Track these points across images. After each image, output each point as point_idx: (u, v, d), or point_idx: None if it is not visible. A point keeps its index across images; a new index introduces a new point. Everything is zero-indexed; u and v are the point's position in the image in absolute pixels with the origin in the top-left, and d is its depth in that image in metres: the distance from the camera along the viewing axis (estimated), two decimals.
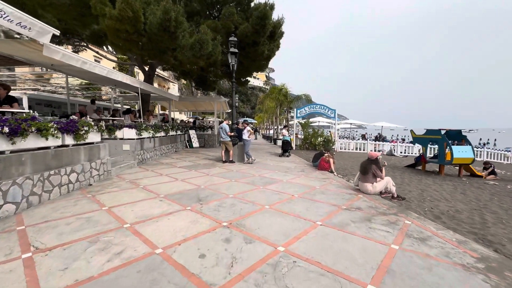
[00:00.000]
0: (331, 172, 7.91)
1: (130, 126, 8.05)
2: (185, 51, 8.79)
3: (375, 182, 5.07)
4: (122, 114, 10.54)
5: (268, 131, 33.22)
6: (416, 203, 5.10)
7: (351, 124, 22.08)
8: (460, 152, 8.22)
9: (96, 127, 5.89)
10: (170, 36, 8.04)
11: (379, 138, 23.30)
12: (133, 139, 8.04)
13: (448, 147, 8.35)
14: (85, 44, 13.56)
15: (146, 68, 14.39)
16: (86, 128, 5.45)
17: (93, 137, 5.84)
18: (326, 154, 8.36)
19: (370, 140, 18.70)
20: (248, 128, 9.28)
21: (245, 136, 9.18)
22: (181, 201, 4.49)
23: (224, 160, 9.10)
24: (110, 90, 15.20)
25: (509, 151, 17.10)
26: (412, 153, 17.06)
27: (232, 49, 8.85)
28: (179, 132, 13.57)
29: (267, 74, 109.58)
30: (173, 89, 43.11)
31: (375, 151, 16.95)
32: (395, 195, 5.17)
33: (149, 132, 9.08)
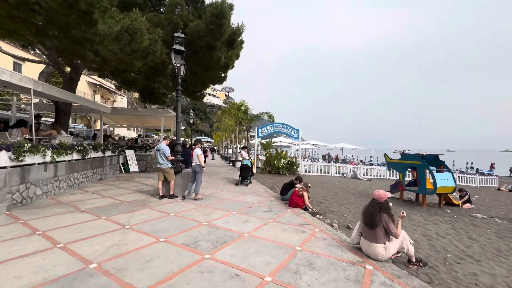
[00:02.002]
0: (306, 209, 6.04)
1: None
2: (108, 43, 6.27)
3: (388, 241, 3.25)
4: (9, 128, 7.15)
5: (227, 150, 30.90)
6: (442, 269, 3.43)
7: (313, 145, 21.49)
8: (442, 180, 7.27)
9: None
10: (81, 16, 5.51)
11: (328, 158, 23.15)
12: (3, 167, 4.96)
13: (430, 175, 7.35)
14: None
15: (68, 70, 11.15)
16: None
17: None
18: (298, 186, 6.51)
19: (333, 162, 17.96)
20: (199, 151, 6.71)
21: (197, 161, 6.66)
22: None
23: (161, 194, 6.50)
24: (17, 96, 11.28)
25: (491, 173, 18.16)
26: (376, 176, 16.70)
27: (177, 47, 6.68)
28: (108, 153, 10.39)
29: (227, 94, 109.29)
30: (121, 102, 38.07)
31: (342, 174, 16.09)
32: (413, 259, 3.42)
33: (43, 154, 6.02)
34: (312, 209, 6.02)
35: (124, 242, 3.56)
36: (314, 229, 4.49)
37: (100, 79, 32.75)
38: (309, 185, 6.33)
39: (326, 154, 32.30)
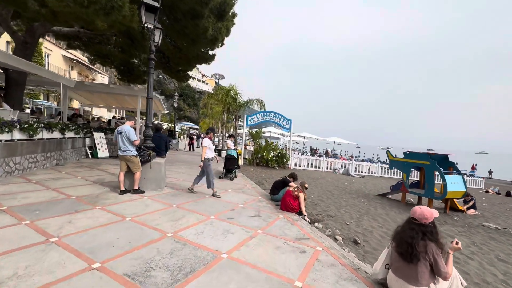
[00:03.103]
0: (301, 215, 4.96)
1: None
2: None
3: (433, 283, 2.19)
4: None
5: (213, 138, 29.47)
6: None
7: (304, 137, 20.52)
8: (453, 184, 6.43)
9: None
10: None
11: (313, 152, 22.39)
12: None
13: (440, 178, 6.47)
14: None
15: (20, 33, 9.24)
16: None
17: None
18: (292, 186, 5.40)
19: (325, 156, 17.08)
20: (206, 141, 5.70)
21: (209, 154, 5.74)
22: None
23: (122, 189, 5.17)
24: None
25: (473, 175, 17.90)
26: (368, 172, 16.02)
27: (148, 0, 5.17)
28: (70, 135, 8.80)
29: (217, 81, 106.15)
30: (101, 81, 35.12)
31: (333, 170, 15.18)
32: None
33: None
34: (307, 219, 4.94)
35: (33, 271, 2.29)
36: (316, 246, 3.39)
37: (79, 55, 29.86)
38: (306, 185, 5.23)
39: (315, 148, 31.57)
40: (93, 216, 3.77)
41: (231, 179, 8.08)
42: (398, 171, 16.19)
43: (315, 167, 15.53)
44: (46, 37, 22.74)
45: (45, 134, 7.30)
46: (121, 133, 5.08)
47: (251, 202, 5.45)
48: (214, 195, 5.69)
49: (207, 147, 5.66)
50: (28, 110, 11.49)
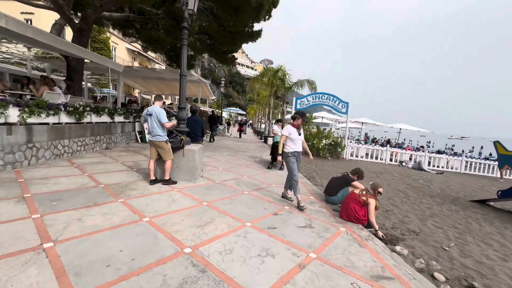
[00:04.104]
0: (370, 228, 3.55)
1: None
2: None
3: None
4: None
5: (260, 124, 28.69)
6: None
7: (362, 123, 17.83)
8: None
9: None
10: None
11: (370, 140, 19.13)
12: None
13: None
14: None
15: (76, 21, 9.61)
16: None
17: None
18: (359, 189, 3.95)
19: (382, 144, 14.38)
20: (290, 129, 4.16)
21: (292, 147, 4.17)
22: None
23: (153, 178, 4.59)
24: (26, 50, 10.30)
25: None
26: (446, 167, 12.89)
27: None
28: (119, 119, 8.96)
29: (265, 66, 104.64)
30: None
31: (400, 163, 12.31)
32: None
33: (1, 113, 4.46)
34: (381, 235, 3.49)
35: None
36: None
37: (140, 47, 32.32)
38: (381, 189, 3.73)
39: (375, 137, 27.65)
40: (109, 213, 3.16)
41: (281, 168, 7.06)
42: (493, 167, 12.60)
43: (376, 158, 13.18)
44: (111, 31, 24.92)
45: (94, 118, 7.39)
46: (150, 115, 4.42)
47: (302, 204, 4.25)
48: (299, 206, 3.97)
49: (287, 137, 4.15)
50: (91, 98, 12.42)
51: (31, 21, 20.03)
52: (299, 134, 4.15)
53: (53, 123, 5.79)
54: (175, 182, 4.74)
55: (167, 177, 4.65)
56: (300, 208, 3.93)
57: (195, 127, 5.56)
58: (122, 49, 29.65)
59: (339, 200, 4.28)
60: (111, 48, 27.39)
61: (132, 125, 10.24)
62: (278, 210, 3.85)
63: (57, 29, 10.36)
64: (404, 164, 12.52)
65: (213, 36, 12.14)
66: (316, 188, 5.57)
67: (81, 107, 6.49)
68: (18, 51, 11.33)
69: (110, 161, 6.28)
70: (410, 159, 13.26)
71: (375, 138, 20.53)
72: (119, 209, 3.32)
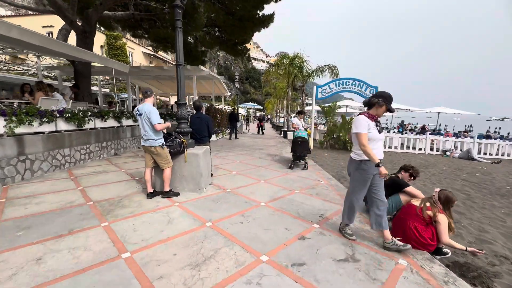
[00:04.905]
0: (441, 255, 2.45)
1: None
2: None
3: None
4: None
5: (278, 119, 27.51)
6: None
7: (395, 109, 15.92)
8: None
9: None
10: None
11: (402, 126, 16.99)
12: None
13: None
14: None
15: (79, 23, 9.23)
16: None
17: None
18: (421, 199, 2.83)
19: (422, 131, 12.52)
20: (371, 121, 2.48)
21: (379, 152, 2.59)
22: None
23: (150, 191, 3.83)
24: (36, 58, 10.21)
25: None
26: (498, 155, 10.90)
27: None
28: (128, 123, 8.46)
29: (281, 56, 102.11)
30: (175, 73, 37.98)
31: (443, 152, 10.27)
32: None
33: None
34: (476, 252, 2.38)
35: None
36: None
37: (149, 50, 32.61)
38: (455, 200, 2.59)
39: (406, 123, 24.95)
40: (81, 246, 2.41)
41: (305, 168, 6.10)
42: None
43: (414, 148, 11.53)
44: (128, 37, 25.13)
45: (98, 123, 6.89)
46: (140, 114, 3.64)
47: (334, 219, 3.22)
48: (386, 246, 2.51)
49: (370, 138, 2.46)
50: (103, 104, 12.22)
51: (52, 33, 20.68)
52: (380, 131, 2.52)
53: (50, 132, 5.29)
54: (177, 194, 3.95)
55: (166, 189, 3.86)
56: (393, 248, 2.47)
57: (200, 126, 4.72)
58: (138, 54, 30.06)
59: (388, 211, 3.20)
60: (128, 53, 27.77)
61: None
62: (305, 231, 2.87)
63: (63, 34, 10.09)
64: (448, 153, 10.77)
65: (222, 27, 11.28)
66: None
67: (80, 112, 5.95)
68: (31, 61, 11.35)
69: (114, 169, 5.69)
70: (456, 147, 11.44)
71: (409, 125, 18.30)
72: (97, 238, 2.57)
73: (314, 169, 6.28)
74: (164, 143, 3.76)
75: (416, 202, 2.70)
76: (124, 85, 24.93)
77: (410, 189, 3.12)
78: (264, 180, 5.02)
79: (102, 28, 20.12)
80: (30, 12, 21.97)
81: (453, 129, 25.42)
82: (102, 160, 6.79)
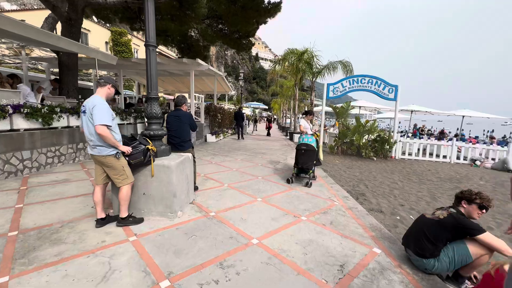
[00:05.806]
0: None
1: None
2: None
3: None
4: None
5: (285, 119, 26.31)
6: None
7: (412, 112, 14.42)
8: None
9: None
10: None
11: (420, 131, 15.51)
12: None
13: None
14: None
15: (65, 8, 8.32)
16: None
17: None
18: (505, 254, 1.66)
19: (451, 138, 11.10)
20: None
21: None
22: None
23: (101, 216, 2.78)
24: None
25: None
26: None
27: None
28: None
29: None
30: None
31: (472, 162, 8.56)
32: None
33: None
34: None
35: None
36: None
37: (162, 48, 31.90)
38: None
39: (427, 128, 22.93)
40: None
41: (307, 185, 4.74)
42: None
43: (437, 156, 10.17)
44: (135, 34, 24.46)
45: (73, 121, 5.93)
46: (84, 112, 2.58)
47: (362, 278, 2.08)
48: None
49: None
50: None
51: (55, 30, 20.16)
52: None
53: (1, 131, 4.33)
54: (139, 221, 2.88)
55: (123, 214, 2.79)
56: None
57: (180, 127, 3.63)
58: (143, 51, 29.44)
59: (444, 268, 2.04)
60: (133, 50, 27.13)
61: (133, 127, 8.80)
62: None
63: (50, 22, 9.21)
64: (478, 163, 9.38)
65: (223, 17, 10.23)
66: (376, 221, 3.32)
67: (45, 108, 4.97)
68: (14, 51, 10.55)
69: (81, 177, 4.68)
70: (480, 154, 10.01)
71: (424, 128, 16.72)
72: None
73: (325, 182, 5.12)
74: (119, 150, 2.69)
75: (507, 265, 1.52)
76: (128, 82, 24.21)
77: (487, 237, 1.94)
78: (261, 198, 3.91)
79: (103, 22, 19.39)
80: (35, 7, 21.63)
81: (469, 134, 23.51)
82: (76, 164, 5.82)
